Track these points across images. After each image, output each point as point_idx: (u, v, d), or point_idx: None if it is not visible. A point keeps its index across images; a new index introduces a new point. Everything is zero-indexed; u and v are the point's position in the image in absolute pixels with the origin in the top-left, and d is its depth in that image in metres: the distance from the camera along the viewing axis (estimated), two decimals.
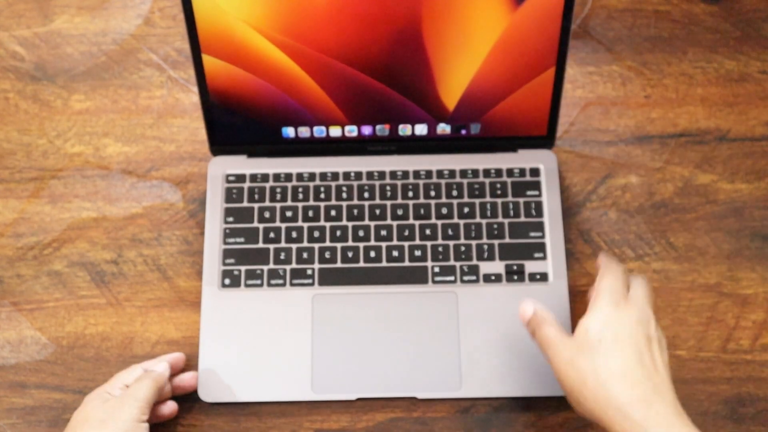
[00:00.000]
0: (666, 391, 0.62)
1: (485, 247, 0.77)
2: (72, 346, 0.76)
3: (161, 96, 0.86)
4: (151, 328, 0.77)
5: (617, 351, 0.62)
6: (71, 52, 0.88)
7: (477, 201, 0.79)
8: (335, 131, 0.79)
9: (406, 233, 0.78)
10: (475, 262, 0.77)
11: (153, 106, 0.86)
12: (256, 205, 0.79)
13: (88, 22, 0.89)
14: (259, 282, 0.76)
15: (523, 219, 0.78)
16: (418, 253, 0.77)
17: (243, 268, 0.77)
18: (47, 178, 0.82)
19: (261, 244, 0.78)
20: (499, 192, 0.79)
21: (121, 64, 0.87)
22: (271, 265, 0.77)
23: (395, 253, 0.77)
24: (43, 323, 0.77)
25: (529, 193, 0.79)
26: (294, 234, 0.78)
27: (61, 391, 0.75)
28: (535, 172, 0.80)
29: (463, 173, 0.80)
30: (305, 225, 0.78)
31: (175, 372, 0.73)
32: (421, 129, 0.79)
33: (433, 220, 0.78)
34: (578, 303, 0.77)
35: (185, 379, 0.73)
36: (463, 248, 0.77)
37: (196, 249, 0.79)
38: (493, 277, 0.76)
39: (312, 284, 0.76)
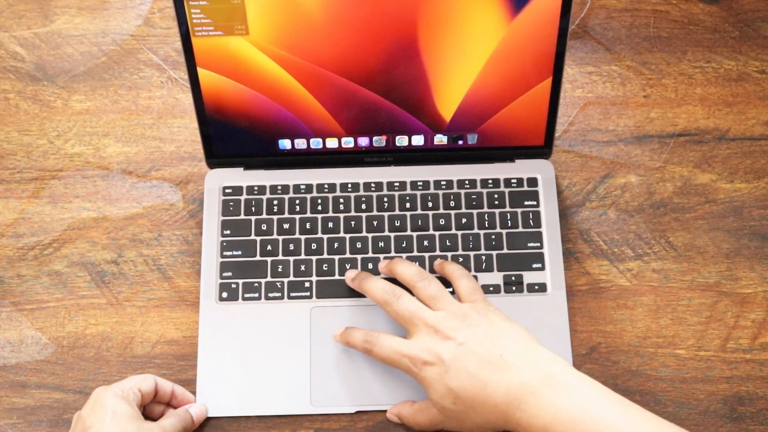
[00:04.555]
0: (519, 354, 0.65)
1: (483, 258, 0.77)
2: (72, 346, 0.76)
3: (161, 96, 0.86)
4: (151, 328, 0.77)
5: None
6: (71, 53, 0.88)
7: (475, 212, 0.79)
8: (332, 143, 0.79)
9: (404, 245, 0.78)
10: (473, 273, 0.77)
11: (153, 106, 0.86)
12: (253, 218, 0.79)
13: (88, 23, 0.89)
14: (256, 295, 0.76)
15: (521, 229, 0.78)
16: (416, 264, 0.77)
17: (240, 281, 0.77)
18: (47, 178, 0.83)
19: (258, 257, 0.77)
20: (496, 202, 0.79)
21: (121, 64, 0.87)
22: (269, 278, 0.77)
23: None
24: (44, 323, 0.77)
25: (526, 203, 0.79)
26: (291, 246, 0.78)
27: (62, 390, 0.75)
28: (532, 182, 0.80)
29: (461, 184, 0.80)
30: (302, 237, 0.78)
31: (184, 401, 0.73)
32: (418, 140, 0.79)
33: (431, 232, 0.78)
34: (577, 312, 0.77)
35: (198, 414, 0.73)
36: (461, 259, 0.77)
37: (196, 249, 0.79)
38: (491, 288, 0.76)
39: (310, 297, 0.76)
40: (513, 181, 0.80)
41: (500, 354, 0.64)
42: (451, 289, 0.73)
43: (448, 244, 0.78)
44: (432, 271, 0.76)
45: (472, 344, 0.65)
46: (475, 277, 0.76)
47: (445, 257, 0.77)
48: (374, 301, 0.71)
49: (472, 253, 0.77)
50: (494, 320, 0.67)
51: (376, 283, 0.71)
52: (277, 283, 0.77)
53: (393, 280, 0.73)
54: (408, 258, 0.77)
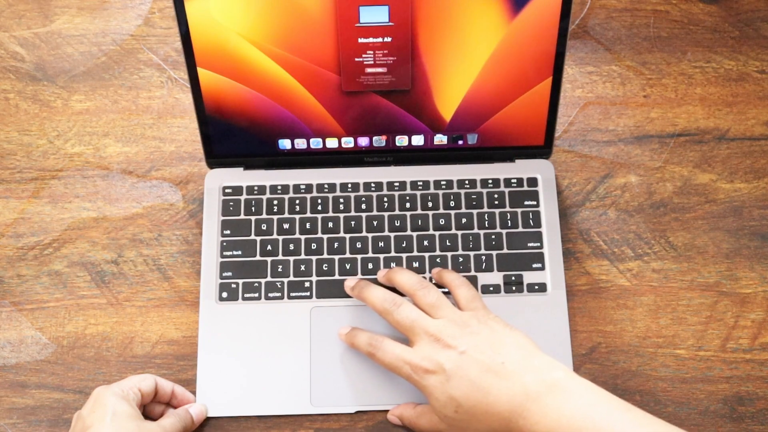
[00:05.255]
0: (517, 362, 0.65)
1: (483, 258, 0.77)
2: (72, 346, 0.76)
3: (161, 96, 0.86)
4: (151, 328, 0.77)
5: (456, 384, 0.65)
6: (71, 53, 0.88)
7: (475, 212, 0.79)
8: (332, 143, 0.79)
9: (404, 245, 0.77)
10: (473, 273, 0.77)
11: (153, 106, 0.86)
12: (253, 218, 0.79)
13: (88, 23, 0.89)
14: (256, 295, 0.76)
15: (521, 229, 0.78)
16: (416, 264, 0.77)
17: (240, 281, 0.77)
18: (47, 178, 0.83)
19: (258, 257, 0.77)
20: (496, 202, 0.79)
21: (121, 64, 0.87)
22: (269, 278, 0.77)
23: (393, 265, 0.77)
24: (44, 323, 0.77)
25: (526, 203, 0.79)
26: (291, 246, 0.78)
27: (62, 390, 0.75)
28: (532, 182, 0.80)
29: (461, 184, 0.80)
30: (302, 237, 0.78)
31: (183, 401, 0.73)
32: (418, 140, 0.79)
33: (431, 231, 0.78)
34: (577, 312, 0.77)
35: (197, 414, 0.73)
36: (461, 259, 0.77)
37: (196, 249, 0.79)
38: (491, 288, 0.76)
39: (310, 297, 0.76)
40: (513, 181, 0.80)
41: (502, 362, 0.64)
42: (445, 289, 0.73)
43: (448, 244, 0.78)
44: (432, 270, 0.76)
45: (474, 352, 0.64)
46: (475, 278, 0.76)
47: (445, 257, 0.77)
48: (374, 310, 0.71)
49: (472, 253, 0.77)
50: (495, 327, 0.67)
51: (376, 292, 0.71)
52: (277, 283, 0.77)
53: (394, 290, 0.73)
54: (408, 258, 0.77)
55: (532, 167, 0.80)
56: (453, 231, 0.78)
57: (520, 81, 0.75)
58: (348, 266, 0.77)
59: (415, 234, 0.78)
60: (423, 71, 0.74)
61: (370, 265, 0.77)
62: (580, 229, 0.80)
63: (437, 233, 0.78)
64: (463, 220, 0.78)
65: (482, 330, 0.66)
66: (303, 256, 0.77)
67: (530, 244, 0.77)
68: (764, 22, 0.88)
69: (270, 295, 0.76)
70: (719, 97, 0.85)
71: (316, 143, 0.79)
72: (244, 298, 0.76)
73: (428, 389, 0.65)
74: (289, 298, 0.76)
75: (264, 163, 0.80)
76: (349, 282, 0.75)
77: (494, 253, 0.77)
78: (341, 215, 0.79)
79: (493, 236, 0.78)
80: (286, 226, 0.78)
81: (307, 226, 0.78)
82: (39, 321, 0.77)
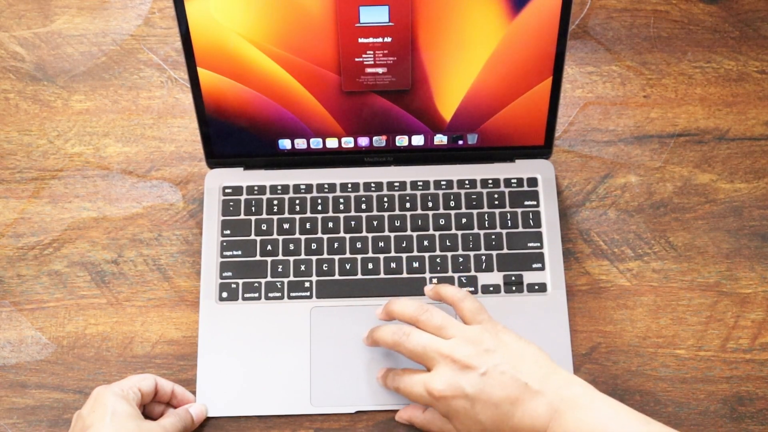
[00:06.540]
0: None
1: (483, 258, 0.77)
2: (72, 346, 0.76)
3: (161, 96, 0.86)
4: (151, 328, 0.77)
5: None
6: (71, 53, 0.88)
7: (475, 212, 0.79)
8: (332, 143, 0.79)
9: (404, 245, 0.78)
10: (473, 273, 0.77)
11: (153, 106, 0.86)
12: (253, 218, 0.79)
13: (88, 23, 0.89)
14: (256, 295, 0.76)
15: (521, 229, 0.78)
16: (416, 264, 0.77)
17: (240, 281, 0.77)
18: (47, 178, 0.83)
19: (258, 257, 0.77)
20: (496, 202, 0.79)
21: (121, 64, 0.87)
22: (269, 278, 0.77)
23: (393, 265, 0.77)
24: (44, 323, 0.77)
25: (527, 203, 0.79)
26: (291, 246, 0.78)
27: (62, 390, 0.75)
28: (532, 182, 0.80)
29: (461, 184, 0.80)
30: (302, 237, 0.78)
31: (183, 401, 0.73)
32: (418, 140, 0.79)
33: (431, 231, 0.78)
34: (577, 312, 0.77)
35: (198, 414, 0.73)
36: (461, 259, 0.77)
37: (196, 249, 0.79)
38: (491, 288, 0.76)
39: (310, 297, 0.76)
40: (513, 181, 0.80)
41: (525, 383, 0.63)
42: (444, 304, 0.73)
43: (448, 244, 0.78)
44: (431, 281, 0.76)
45: (495, 374, 0.64)
46: (475, 278, 0.76)
47: (445, 257, 0.77)
48: (388, 348, 0.70)
49: (472, 253, 0.77)
50: (507, 341, 0.66)
51: (385, 329, 0.70)
52: (277, 283, 0.77)
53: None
54: (408, 258, 0.77)
55: (532, 167, 0.80)
56: (453, 231, 0.78)
57: (520, 81, 0.75)
58: (348, 266, 0.77)
59: (415, 234, 0.78)
60: (423, 71, 0.74)
61: (370, 265, 0.77)
62: (580, 229, 0.80)
63: (437, 233, 0.78)
64: (463, 220, 0.78)
65: (497, 346, 0.65)
66: (303, 256, 0.77)
67: (530, 244, 0.77)
68: (764, 22, 0.88)
69: (270, 295, 0.76)
70: (719, 97, 0.85)
71: (316, 143, 0.79)
72: (244, 298, 0.76)
73: (451, 414, 0.65)
74: (289, 298, 0.76)
75: (264, 163, 0.80)
76: (364, 336, 0.73)
77: (494, 253, 0.77)
78: (341, 215, 0.79)
79: (493, 236, 0.78)
80: (286, 226, 0.78)
81: (307, 226, 0.78)
82: (39, 321, 0.77)
